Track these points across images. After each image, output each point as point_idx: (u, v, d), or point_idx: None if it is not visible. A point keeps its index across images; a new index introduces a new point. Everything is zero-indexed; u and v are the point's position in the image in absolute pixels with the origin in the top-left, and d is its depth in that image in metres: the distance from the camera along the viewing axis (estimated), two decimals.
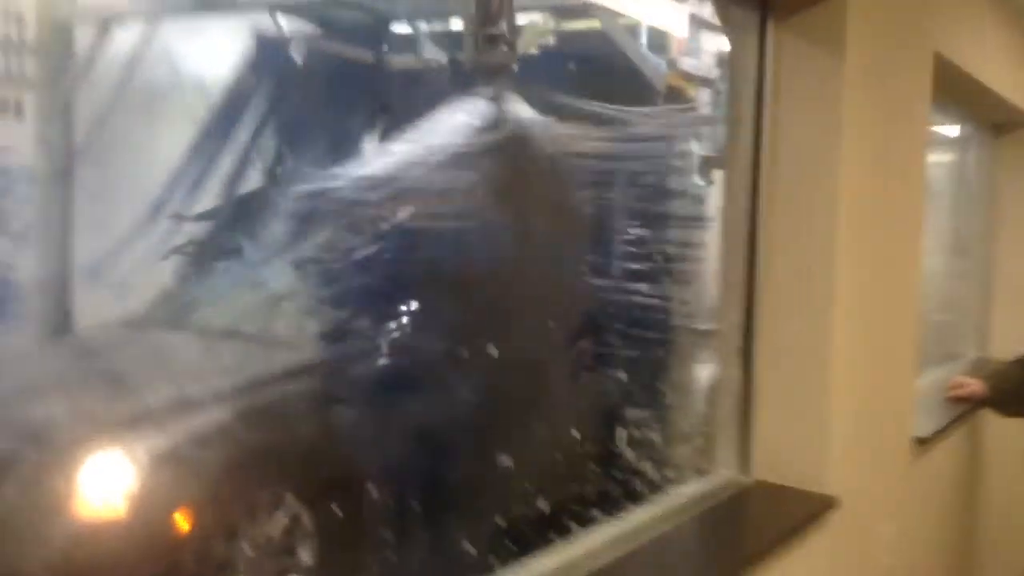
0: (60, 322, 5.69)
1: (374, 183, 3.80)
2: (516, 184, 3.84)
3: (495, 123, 3.82)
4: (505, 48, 3.79)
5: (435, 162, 3.62)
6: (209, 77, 6.84)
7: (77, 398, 3.53)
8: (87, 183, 6.04)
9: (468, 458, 3.57)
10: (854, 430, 2.71)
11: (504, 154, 3.65)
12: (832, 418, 2.53)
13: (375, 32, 6.11)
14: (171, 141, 6.46)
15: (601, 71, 5.31)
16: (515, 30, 3.96)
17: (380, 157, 3.92)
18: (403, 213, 3.77)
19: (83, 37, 6.00)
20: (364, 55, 6.06)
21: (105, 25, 5.95)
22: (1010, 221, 5.26)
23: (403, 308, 3.80)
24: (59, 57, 5.94)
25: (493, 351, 3.44)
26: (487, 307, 3.67)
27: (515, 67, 3.93)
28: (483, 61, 3.85)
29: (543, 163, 3.88)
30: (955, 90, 3.76)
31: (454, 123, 3.75)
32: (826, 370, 2.53)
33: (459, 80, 4.04)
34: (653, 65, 5.07)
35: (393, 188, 3.73)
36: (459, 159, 3.63)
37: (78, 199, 5.99)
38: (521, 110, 3.86)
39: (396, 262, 3.74)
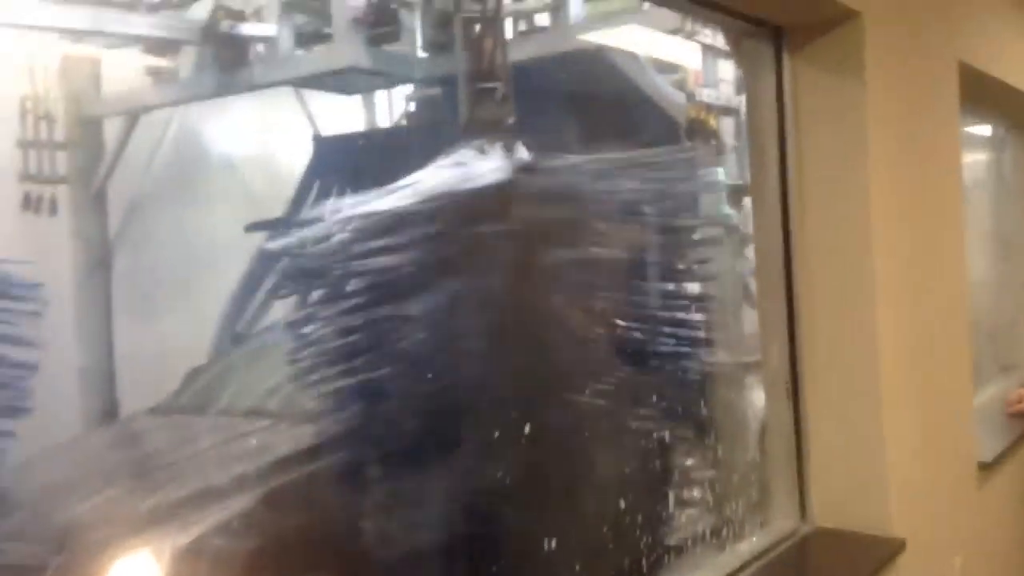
0: (107, 410, 5.75)
1: (368, 231, 3.73)
2: (530, 233, 3.75)
3: (494, 172, 3.76)
4: (500, 102, 3.79)
5: (430, 209, 3.56)
6: (238, 156, 6.97)
7: (105, 493, 3.50)
8: (125, 271, 6.15)
9: (507, 536, 3.44)
10: (914, 464, 2.59)
11: (507, 202, 3.59)
12: (889, 455, 2.42)
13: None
14: (206, 221, 6.56)
15: (620, 108, 5.30)
16: (510, 84, 3.96)
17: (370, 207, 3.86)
18: (412, 263, 3.70)
19: (112, 129, 6.15)
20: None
21: (133, 116, 6.09)
22: None
23: (426, 367, 3.72)
24: (89, 151, 6.09)
25: (526, 418, 3.33)
26: (514, 366, 3.56)
27: (512, 120, 3.92)
28: (478, 115, 3.85)
29: (554, 208, 3.80)
30: (984, 94, 3.66)
31: (444, 175, 3.71)
32: (878, 404, 2.42)
33: (460, 135, 4.03)
34: (672, 98, 5.04)
35: (392, 237, 3.67)
36: (449, 209, 3.56)
37: (116, 287, 6.10)
38: (525, 156, 3.82)
39: (412, 322, 3.67)
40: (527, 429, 3.27)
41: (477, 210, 3.46)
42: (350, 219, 3.60)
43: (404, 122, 6.50)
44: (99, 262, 6.15)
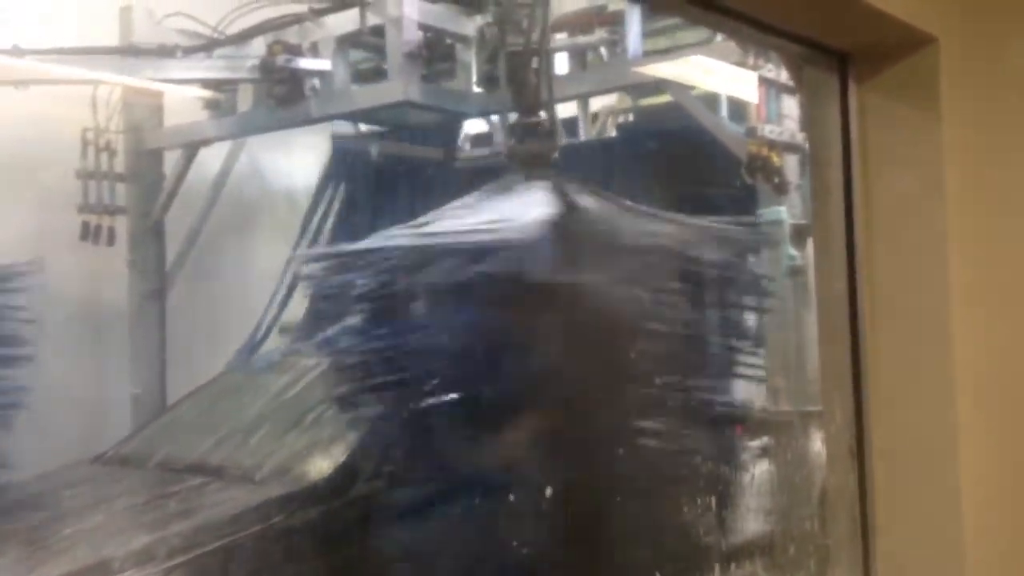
0: None
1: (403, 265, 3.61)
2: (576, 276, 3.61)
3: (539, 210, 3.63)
4: (544, 136, 3.69)
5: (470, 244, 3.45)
6: (297, 188, 7.00)
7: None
8: (180, 301, 6.17)
9: None
10: (997, 537, 2.33)
11: (555, 242, 3.46)
12: (967, 526, 2.18)
13: (445, 129, 6.15)
14: (261, 253, 6.58)
15: (680, 145, 5.15)
16: (555, 120, 3.85)
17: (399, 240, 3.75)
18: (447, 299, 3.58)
19: (171, 161, 6.22)
20: (432, 152, 6.10)
21: (192, 149, 6.15)
22: None
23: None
24: (149, 183, 6.16)
25: (569, 473, 3.15)
26: (557, 419, 3.38)
27: (556, 155, 3.81)
28: (521, 150, 3.76)
29: (598, 247, 3.66)
30: None
31: (482, 214, 3.61)
32: (955, 469, 2.18)
33: (506, 170, 3.94)
34: (732, 134, 4.87)
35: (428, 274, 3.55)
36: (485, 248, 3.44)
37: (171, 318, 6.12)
38: (573, 196, 3.69)
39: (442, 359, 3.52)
40: (566, 486, 3.10)
41: (520, 256, 3.34)
42: (390, 253, 3.51)
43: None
44: (154, 292, 6.18)
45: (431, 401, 3.48)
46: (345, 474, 3.62)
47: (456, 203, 3.86)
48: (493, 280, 3.34)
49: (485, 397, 3.43)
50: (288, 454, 3.85)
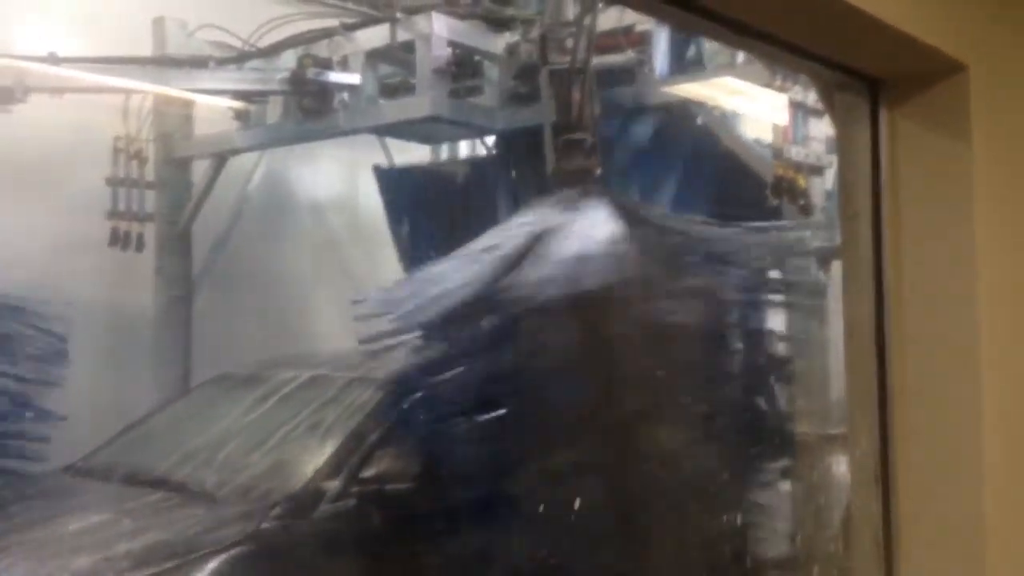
0: None
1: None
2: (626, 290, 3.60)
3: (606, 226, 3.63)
4: (587, 153, 3.71)
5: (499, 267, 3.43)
6: (321, 199, 7.06)
7: None
8: (206, 308, 6.23)
9: None
10: (1020, 566, 2.32)
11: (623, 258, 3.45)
12: (991, 555, 2.16)
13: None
14: (287, 263, 6.64)
15: (705, 166, 5.16)
16: (597, 136, 3.87)
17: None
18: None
19: (199, 170, 6.29)
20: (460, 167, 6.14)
21: (221, 158, 6.22)
22: None
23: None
24: (177, 191, 6.23)
25: (592, 489, 3.14)
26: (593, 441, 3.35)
27: (598, 171, 3.83)
28: (564, 166, 3.78)
29: (646, 264, 3.66)
30: None
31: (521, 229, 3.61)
32: (980, 496, 2.17)
33: (545, 186, 3.96)
34: (758, 156, 4.88)
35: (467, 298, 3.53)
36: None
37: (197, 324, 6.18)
38: (607, 214, 3.70)
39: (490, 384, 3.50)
40: (590, 500, 3.10)
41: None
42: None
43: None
44: (181, 299, 6.24)
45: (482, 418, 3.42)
46: (309, 494, 3.48)
47: (516, 220, 3.85)
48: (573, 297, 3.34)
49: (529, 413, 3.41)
50: (254, 472, 3.71)
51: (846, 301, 2.44)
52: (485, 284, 3.54)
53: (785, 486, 3.66)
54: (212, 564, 3.13)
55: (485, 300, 3.53)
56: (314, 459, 3.64)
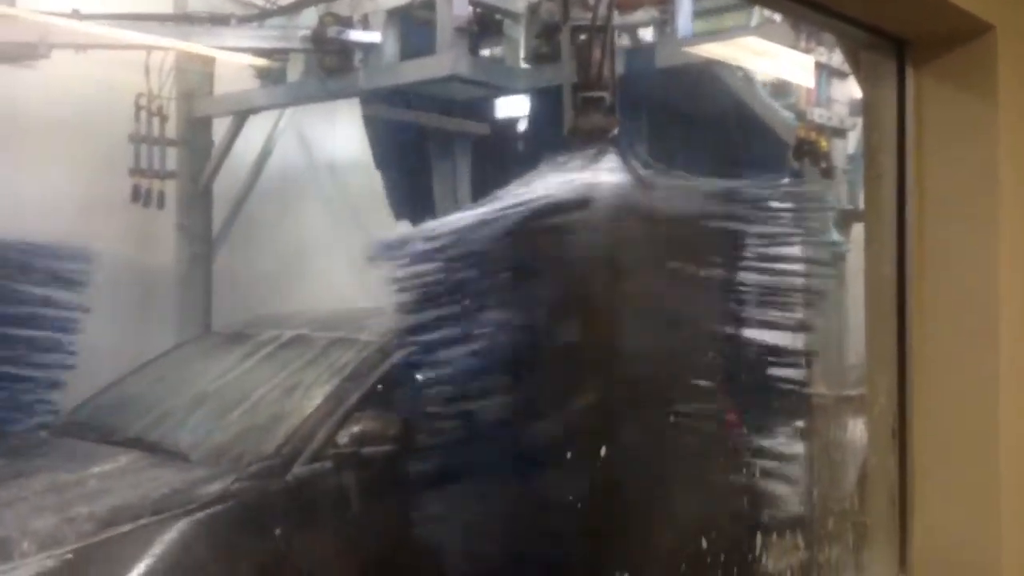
0: None
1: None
2: (637, 243, 3.56)
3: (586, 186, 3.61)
4: (606, 112, 3.69)
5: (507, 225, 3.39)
6: (340, 160, 7.08)
7: None
8: (226, 266, 6.29)
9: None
10: None
11: (595, 217, 3.41)
12: (1005, 505, 2.20)
13: (491, 104, 6.17)
14: (306, 222, 6.68)
15: (729, 127, 5.14)
16: (616, 94, 3.85)
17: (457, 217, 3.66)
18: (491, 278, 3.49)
19: (220, 128, 6.31)
20: (479, 127, 6.11)
21: (241, 116, 6.24)
22: None
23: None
24: (199, 148, 6.26)
25: (606, 440, 3.14)
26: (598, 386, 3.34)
27: (616, 130, 3.80)
28: (582, 124, 3.75)
29: (661, 223, 3.63)
30: None
31: (543, 184, 3.58)
32: (996, 450, 2.21)
33: (562, 144, 3.93)
34: (782, 118, 4.86)
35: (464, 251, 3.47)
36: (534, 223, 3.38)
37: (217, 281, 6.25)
38: (623, 172, 3.67)
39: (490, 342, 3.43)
40: (605, 451, 3.11)
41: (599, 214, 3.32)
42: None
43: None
44: (202, 256, 6.30)
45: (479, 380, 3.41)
46: (283, 456, 3.39)
47: (529, 175, 3.80)
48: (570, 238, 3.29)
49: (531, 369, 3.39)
50: (229, 433, 3.62)
51: (868, 262, 2.47)
52: (486, 237, 3.49)
53: (802, 444, 3.70)
54: (179, 525, 3.04)
55: (485, 254, 3.48)
56: (290, 420, 3.57)
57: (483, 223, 3.47)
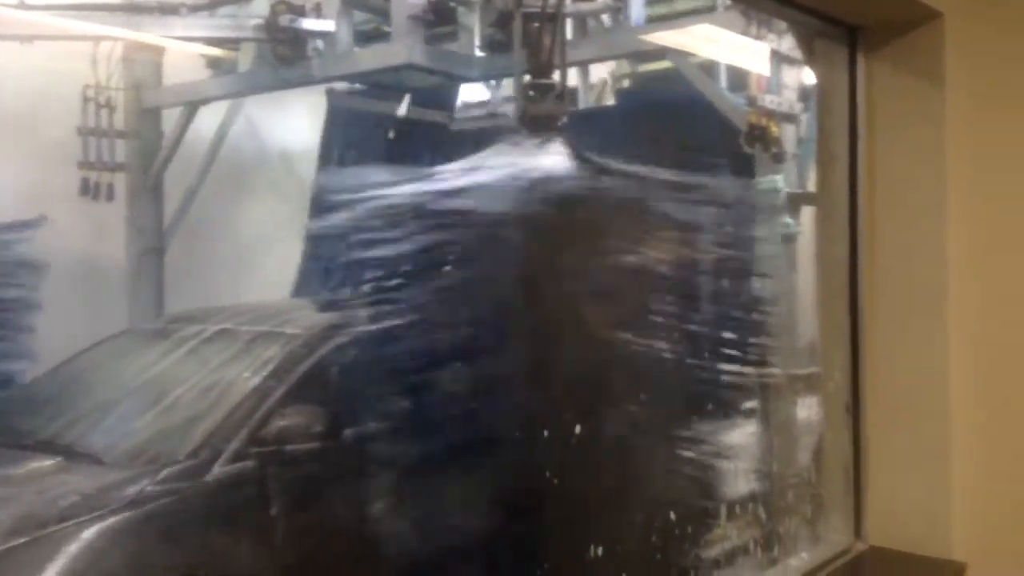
0: None
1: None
2: (582, 231, 3.55)
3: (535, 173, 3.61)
4: (555, 99, 3.72)
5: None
6: (293, 149, 7.02)
7: None
8: (178, 260, 6.21)
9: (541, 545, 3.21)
10: (982, 485, 2.46)
11: (566, 198, 3.42)
12: (955, 474, 2.30)
13: (447, 92, 6.17)
14: (260, 213, 6.61)
15: (679, 114, 5.20)
16: (566, 82, 3.87)
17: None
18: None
19: (170, 119, 6.22)
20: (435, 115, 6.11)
21: (192, 107, 6.15)
22: None
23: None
24: (148, 140, 6.17)
25: (571, 428, 3.16)
26: (544, 370, 3.32)
27: (565, 118, 3.82)
28: (531, 112, 3.77)
29: (606, 209, 3.65)
30: None
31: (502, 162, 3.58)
32: (945, 421, 2.30)
33: (511, 131, 3.94)
34: (732, 104, 4.94)
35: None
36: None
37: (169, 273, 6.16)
38: (569, 158, 3.69)
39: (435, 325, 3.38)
40: (553, 434, 3.13)
41: (533, 204, 3.35)
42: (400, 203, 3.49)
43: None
44: (153, 249, 6.21)
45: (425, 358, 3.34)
46: (201, 456, 3.25)
47: (472, 158, 3.77)
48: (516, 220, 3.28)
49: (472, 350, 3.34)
50: (145, 434, 3.46)
51: (820, 243, 2.54)
52: (415, 216, 3.42)
53: (757, 422, 3.79)
54: (87, 533, 2.87)
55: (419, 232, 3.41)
56: (210, 419, 3.41)
57: (419, 201, 3.45)
